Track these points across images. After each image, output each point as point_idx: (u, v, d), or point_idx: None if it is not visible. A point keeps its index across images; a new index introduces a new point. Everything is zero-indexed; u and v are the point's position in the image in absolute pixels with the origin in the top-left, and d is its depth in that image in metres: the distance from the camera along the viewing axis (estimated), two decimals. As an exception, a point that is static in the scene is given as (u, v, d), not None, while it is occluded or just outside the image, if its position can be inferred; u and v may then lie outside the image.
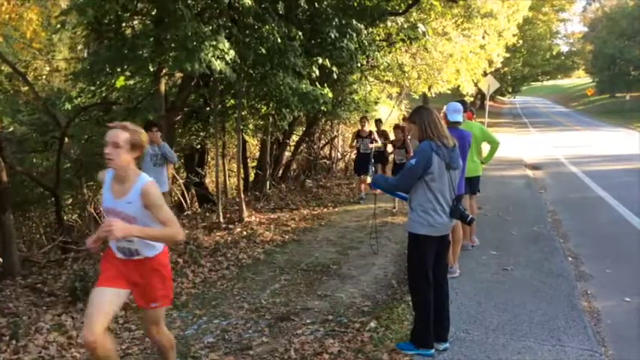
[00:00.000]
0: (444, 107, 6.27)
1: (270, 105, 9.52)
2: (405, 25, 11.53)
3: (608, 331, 4.59)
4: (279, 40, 7.50)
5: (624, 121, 36.85)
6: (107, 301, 3.17)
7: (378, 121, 11.60)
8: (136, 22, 7.61)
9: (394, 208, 9.84)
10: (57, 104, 8.80)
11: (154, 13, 7.12)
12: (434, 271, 4.05)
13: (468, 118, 6.92)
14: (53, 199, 8.94)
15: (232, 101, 9.57)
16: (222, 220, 8.84)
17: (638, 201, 9.82)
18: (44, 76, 12.51)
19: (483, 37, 19.13)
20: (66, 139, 8.81)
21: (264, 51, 7.57)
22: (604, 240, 7.55)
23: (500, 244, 7.29)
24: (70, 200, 10.43)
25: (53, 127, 9.08)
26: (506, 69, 41.50)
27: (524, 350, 4.17)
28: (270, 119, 10.41)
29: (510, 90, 56.65)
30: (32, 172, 9.28)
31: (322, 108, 8.44)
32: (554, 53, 52.84)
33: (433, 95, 19.77)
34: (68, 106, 8.26)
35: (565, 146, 21.24)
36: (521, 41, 36.22)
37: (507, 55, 28.01)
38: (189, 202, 11.46)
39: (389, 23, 11.14)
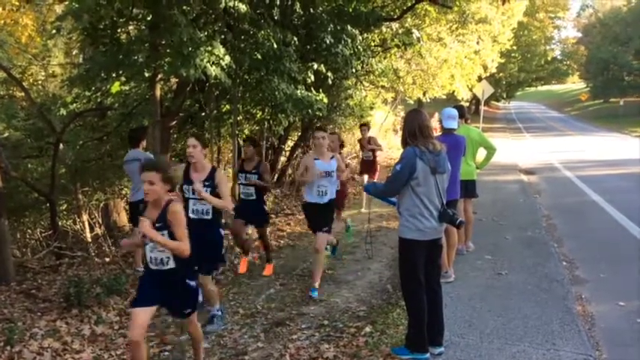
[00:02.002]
0: (435, 114, 6.30)
1: (266, 110, 9.53)
2: (400, 31, 11.56)
3: (602, 335, 4.61)
4: (274, 46, 7.53)
5: (618, 126, 37.02)
6: None
7: (251, 141, 6.84)
8: (131, 27, 7.61)
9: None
10: (52, 110, 8.79)
11: (149, 18, 7.11)
12: (426, 275, 4.08)
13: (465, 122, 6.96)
14: (48, 204, 8.91)
15: (228, 106, 9.58)
16: (217, 225, 8.82)
17: (632, 205, 9.87)
18: (39, 82, 12.48)
19: (478, 43, 19.21)
20: (61, 145, 8.80)
21: (259, 56, 7.59)
22: (598, 244, 7.58)
23: (494, 248, 7.32)
24: (65, 206, 10.39)
25: (48, 133, 9.06)
26: (501, 74, 41.66)
27: (519, 354, 4.19)
28: (266, 124, 10.42)
29: (505, 95, 56.85)
30: (27, 177, 9.25)
31: (317, 113, 8.46)
32: (548, 59, 53.14)
33: (428, 100, 19.83)
34: (63, 111, 8.25)
35: (559, 151, 21.31)
36: (515, 47, 36.42)
37: (502, 60, 28.13)
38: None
39: (384, 29, 11.18)
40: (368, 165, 10.42)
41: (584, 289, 5.73)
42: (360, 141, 10.63)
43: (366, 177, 10.39)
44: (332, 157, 6.04)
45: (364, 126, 10.46)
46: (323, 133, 6.00)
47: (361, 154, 10.72)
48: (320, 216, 5.94)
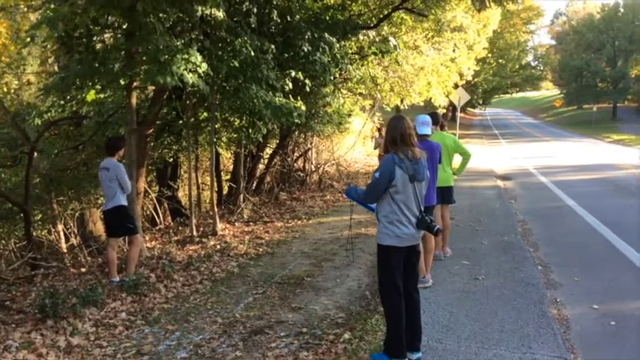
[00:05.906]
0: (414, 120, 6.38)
1: (244, 118, 9.52)
2: (377, 39, 11.66)
3: (577, 337, 4.69)
4: (251, 54, 7.54)
5: (591, 131, 37.78)
6: None
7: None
8: (107, 35, 7.57)
9: None
10: (27, 119, 8.69)
11: (125, 26, 7.09)
12: (404, 281, 4.11)
13: (441, 128, 7.06)
14: (22, 214, 8.79)
15: (205, 114, 9.55)
16: (195, 233, 8.78)
17: (606, 210, 10.06)
18: (13, 91, 12.32)
19: (454, 51, 19.46)
20: (35, 154, 8.69)
21: (236, 64, 7.59)
22: (573, 248, 7.71)
23: (471, 253, 7.40)
24: (40, 216, 10.25)
25: (22, 142, 8.95)
26: (477, 79, 42.18)
27: (496, 358, 4.24)
28: (244, 132, 10.40)
29: (481, 102, 57.55)
30: (0, 187, 9.12)
31: (296, 121, 8.48)
32: (522, 63, 53.98)
33: (406, 107, 20.00)
34: (38, 121, 8.16)
35: (535, 157, 21.64)
36: (490, 54, 36.92)
37: (477, 68, 28.50)
38: (161, 216, 11.36)
39: (361, 37, 11.26)
40: None
41: (559, 293, 5.82)
42: None
43: None
44: None
45: None
46: None
47: None
48: None
